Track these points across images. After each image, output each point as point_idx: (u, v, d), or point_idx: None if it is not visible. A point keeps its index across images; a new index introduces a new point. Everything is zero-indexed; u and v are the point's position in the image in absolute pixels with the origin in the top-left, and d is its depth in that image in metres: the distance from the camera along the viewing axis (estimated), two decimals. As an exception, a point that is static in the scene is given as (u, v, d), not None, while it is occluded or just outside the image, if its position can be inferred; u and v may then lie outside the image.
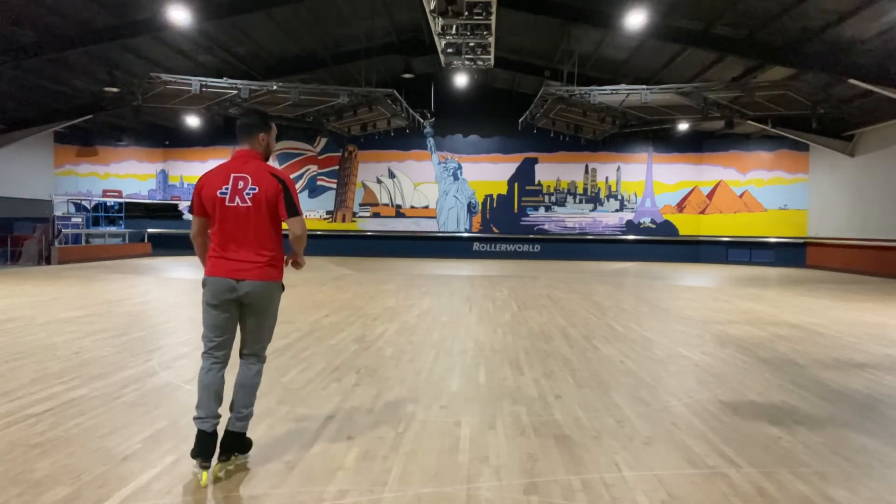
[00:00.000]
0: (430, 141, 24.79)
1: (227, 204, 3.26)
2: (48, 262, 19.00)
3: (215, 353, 3.34)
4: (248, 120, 3.44)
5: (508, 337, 7.46)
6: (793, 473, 3.37)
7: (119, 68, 16.35)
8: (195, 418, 3.25)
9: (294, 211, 3.31)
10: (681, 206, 24.31)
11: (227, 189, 3.26)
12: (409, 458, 3.52)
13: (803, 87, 14.68)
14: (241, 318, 3.40)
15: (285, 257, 3.48)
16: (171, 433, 3.86)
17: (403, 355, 6.33)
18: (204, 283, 3.34)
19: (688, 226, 24.24)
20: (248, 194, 3.25)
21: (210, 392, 3.27)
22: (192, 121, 21.33)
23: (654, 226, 24.42)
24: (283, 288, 3.44)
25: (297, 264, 3.54)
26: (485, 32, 12.44)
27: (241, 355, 3.48)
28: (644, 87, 15.77)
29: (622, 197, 24.54)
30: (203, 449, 3.20)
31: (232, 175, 3.29)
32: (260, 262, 3.30)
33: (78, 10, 13.32)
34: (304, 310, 9.41)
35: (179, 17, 13.54)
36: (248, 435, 3.48)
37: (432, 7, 11.25)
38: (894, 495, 3.16)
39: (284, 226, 3.38)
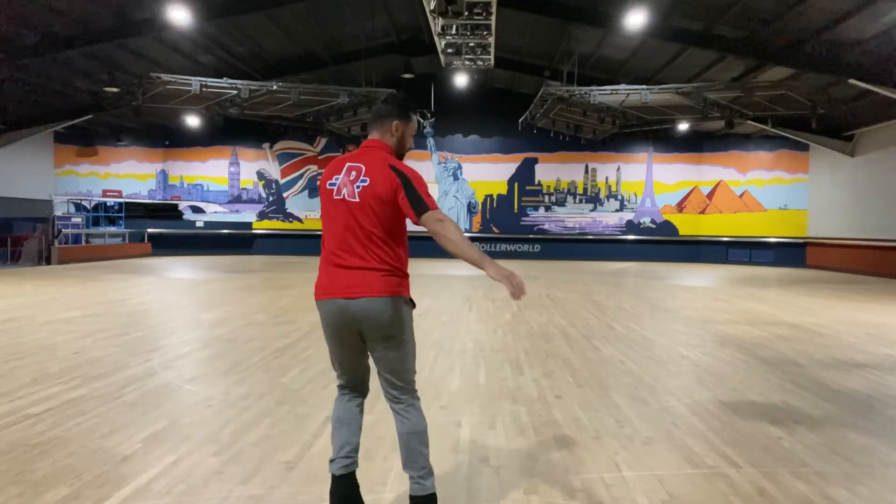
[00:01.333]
0: (430, 141, 24.78)
1: (333, 197, 2.64)
2: (48, 262, 19.00)
3: (344, 390, 2.89)
4: (383, 105, 2.81)
5: (508, 337, 7.46)
6: (793, 473, 3.37)
7: (119, 68, 16.35)
8: (334, 460, 2.73)
9: (423, 206, 2.54)
10: (681, 206, 24.31)
11: (336, 180, 2.66)
12: (409, 458, 3.51)
13: (803, 88, 14.68)
14: (369, 350, 2.75)
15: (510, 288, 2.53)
16: (171, 433, 3.86)
17: (403, 355, 6.31)
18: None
19: (688, 226, 24.23)
20: (357, 187, 2.59)
21: (353, 427, 2.79)
22: (192, 121, 21.34)
23: (654, 226, 24.41)
24: (412, 304, 2.70)
25: (516, 292, 2.50)
26: (485, 32, 12.43)
27: (389, 400, 2.79)
28: (644, 87, 15.76)
29: (622, 197, 24.53)
30: (350, 496, 2.72)
31: (346, 164, 2.68)
32: (375, 272, 2.57)
33: (78, 10, 13.31)
34: (305, 310, 9.40)
35: (179, 17, 13.53)
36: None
37: (432, 7, 11.24)
38: (894, 495, 3.16)
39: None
